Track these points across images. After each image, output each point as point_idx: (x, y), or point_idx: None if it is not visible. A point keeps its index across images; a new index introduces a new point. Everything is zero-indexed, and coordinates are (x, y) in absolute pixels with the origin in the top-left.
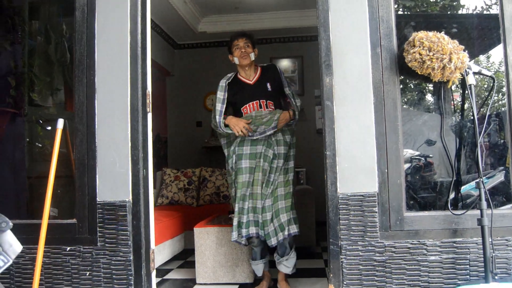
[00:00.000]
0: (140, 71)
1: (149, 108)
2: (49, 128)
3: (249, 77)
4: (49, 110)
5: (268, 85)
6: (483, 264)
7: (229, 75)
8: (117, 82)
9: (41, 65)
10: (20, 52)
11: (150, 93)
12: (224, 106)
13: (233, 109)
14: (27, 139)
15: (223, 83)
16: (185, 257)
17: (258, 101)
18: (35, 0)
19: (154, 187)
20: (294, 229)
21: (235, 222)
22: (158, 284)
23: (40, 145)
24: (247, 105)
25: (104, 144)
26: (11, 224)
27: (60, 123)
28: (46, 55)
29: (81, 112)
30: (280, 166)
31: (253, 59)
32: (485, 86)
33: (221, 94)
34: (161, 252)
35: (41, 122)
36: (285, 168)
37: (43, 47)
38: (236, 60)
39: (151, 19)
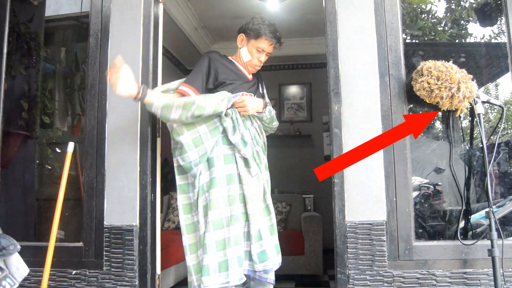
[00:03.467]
0: None
1: (159, 133)
2: (59, 151)
3: (247, 72)
4: (60, 133)
5: (260, 87)
6: None
7: (216, 53)
8: (128, 107)
9: (54, 89)
10: (34, 76)
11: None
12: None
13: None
14: (37, 162)
15: (216, 55)
16: None
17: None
18: (51, 26)
19: (161, 211)
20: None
21: (222, 257)
22: None
23: (49, 167)
24: (240, 94)
25: (113, 168)
26: (19, 246)
27: (71, 146)
28: (59, 79)
29: (91, 136)
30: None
31: None
32: (495, 113)
33: (205, 66)
34: (166, 277)
35: (52, 145)
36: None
37: (57, 71)
38: (246, 56)
39: (162, 45)
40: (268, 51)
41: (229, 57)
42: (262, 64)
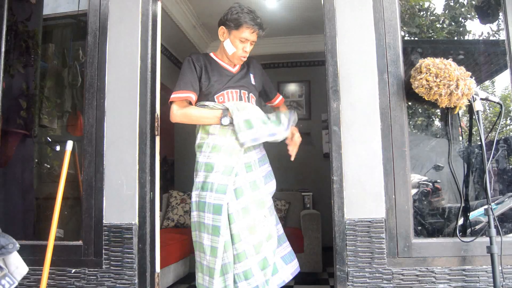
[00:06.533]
0: (149, 94)
1: (157, 131)
2: (58, 149)
3: (231, 64)
4: (58, 131)
5: (252, 77)
6: None
7: (197, 55)
8: (126, 105)
9: (53, 88)
10: (32, 75)
11: (159, 116)
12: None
13: (200, 98)
14: (36, 160)
15: (195, 57)
16: (189, 281)
17: (239, 90)
18: (49, 25)
19: (160, 210)
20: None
21: None
22: None
23: (48, 166)
24: (224, 92)
25: (112, 167)
26: (18, 245)
27: (69, 145)
28: (58, 78)
29: (90, 134)
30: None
31: None
32: (492, 109)
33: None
34: (165, 275)
35: (50, 141)
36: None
37: (55, 70)
38: (230, 49)
39: (161, 43)
40: (252, 39)
41: (210, 54)
42: (248, 54)
